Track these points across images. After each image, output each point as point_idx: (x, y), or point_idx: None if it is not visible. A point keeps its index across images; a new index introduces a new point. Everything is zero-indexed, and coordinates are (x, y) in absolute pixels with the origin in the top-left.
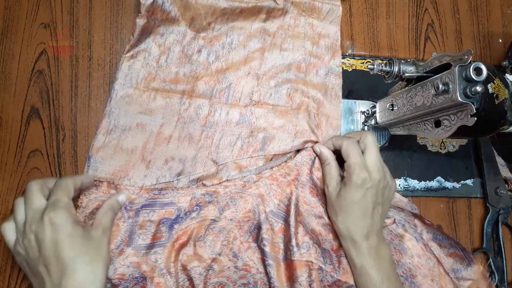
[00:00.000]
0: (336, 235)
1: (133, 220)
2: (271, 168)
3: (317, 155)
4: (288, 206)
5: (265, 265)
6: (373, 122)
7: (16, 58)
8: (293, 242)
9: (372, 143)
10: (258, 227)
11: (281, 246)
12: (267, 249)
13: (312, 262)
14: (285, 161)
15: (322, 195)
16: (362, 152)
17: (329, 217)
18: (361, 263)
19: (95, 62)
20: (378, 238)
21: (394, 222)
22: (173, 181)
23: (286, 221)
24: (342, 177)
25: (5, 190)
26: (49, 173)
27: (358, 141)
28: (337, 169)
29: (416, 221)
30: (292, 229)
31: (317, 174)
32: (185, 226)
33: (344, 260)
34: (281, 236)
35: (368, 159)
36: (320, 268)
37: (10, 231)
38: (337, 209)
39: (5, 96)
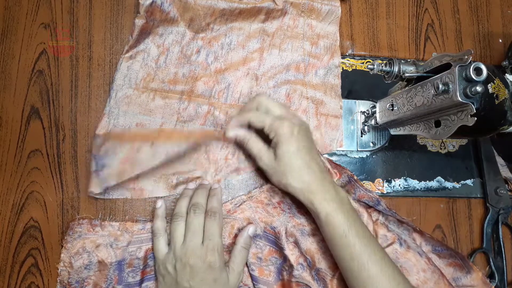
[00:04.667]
0: (331, 256)
1: (121, 259)
2: (261, 186)
3: (236, 141)
4: (275, 229)
5: None
6: (373, 122)
7: (16, 58)
8: (288, 263)
9: (264, 99)
10: None
11: (272, 268)
12: (255, 273)
13: (306, 284)
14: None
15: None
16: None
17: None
18: (325, 211)
19: (95, 62)
20: (331, 183)
21: (396, 238)
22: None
23: (276, 244)
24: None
25: (5, 190)
26: (49, 173)
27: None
28: (260, 139)
29: (415, 234)
30: (286, 251)
31: None
32: None
33: (335, 282)
34: (272, 258)
35: (275, 113)
36: None
37: (163, 244)
38: (282, 169)
39: (5, 96)
